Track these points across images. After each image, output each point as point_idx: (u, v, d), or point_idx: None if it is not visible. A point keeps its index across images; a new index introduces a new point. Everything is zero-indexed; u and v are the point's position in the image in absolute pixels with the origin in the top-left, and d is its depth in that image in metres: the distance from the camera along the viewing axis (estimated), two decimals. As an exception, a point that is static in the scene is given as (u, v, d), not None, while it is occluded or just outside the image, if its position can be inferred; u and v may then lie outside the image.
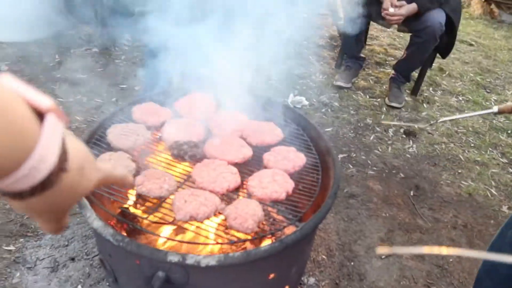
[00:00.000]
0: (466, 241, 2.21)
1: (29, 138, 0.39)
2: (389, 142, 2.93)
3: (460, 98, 3.67)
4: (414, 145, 2.93)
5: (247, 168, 1.42)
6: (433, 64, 3.61)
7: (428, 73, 3.85)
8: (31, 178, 0.40)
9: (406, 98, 3.47)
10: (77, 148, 0.48)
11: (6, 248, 1.84)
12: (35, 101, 0.42)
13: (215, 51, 1.98)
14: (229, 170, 1.33)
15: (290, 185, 1.30)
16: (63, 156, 0.44)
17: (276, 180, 1.29)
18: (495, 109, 1.11)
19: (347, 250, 2.06)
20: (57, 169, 0.43)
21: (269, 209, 1.27)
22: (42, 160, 0.40)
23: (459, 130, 3.19)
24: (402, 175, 2.64)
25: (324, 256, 2.00)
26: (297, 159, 1.41)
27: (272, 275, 1.26)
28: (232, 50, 2.00)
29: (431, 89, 3.76)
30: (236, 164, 1.40)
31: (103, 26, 3.68)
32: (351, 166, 2.64)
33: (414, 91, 3.55)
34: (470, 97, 3.71)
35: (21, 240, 1.89)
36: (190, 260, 1.06)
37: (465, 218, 2.36)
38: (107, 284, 1.71)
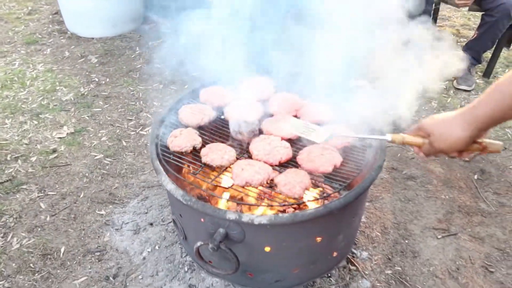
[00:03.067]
0: (533, 226, 2.14)
1: None
2: (455, 125, 2.86)
3: (541, 80, 3.42)
4: (483, 129, 2.83)
5: (299, 143, 1.56)
6: (512, 44, 3.40)
7: (505, 53, 3.63)
8: None
9: (477, 81, 3.33)
10: None
11: (98, 212, 2.19)
12: None
13: (277, 38, 2.12)
14: (282, 145, 1.49)
15: (337, 159, 1.42)
16: None
17: (323, 155, 1.42)
18: (389, 137, 1.13)
19: (402, 228, 2.11)
20: None
21: (317, 179, 1.41)
22: None
23: (536, 114, 3.00)
24: (466, 158, 2.58)
25: (378, 233, 2.07)
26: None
27: (319, 239, 1.40)
28: (294, 36, 2.13)
29: (507, 70, 3.54)
30: (289, 140, 1.55)
31: (178, 20, 4.00)
32: (411, 149, 2.64)
33: (487, 73, 3.38)
34: (553, 78, 3.44)
35: (110, 206, 2.22)
36: (245, 218, 1.24)
37: (534, 204, 2.27)
38: (179, 244, 1.97)
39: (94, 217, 2.16)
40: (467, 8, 3.15)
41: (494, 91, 0.90)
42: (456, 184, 2.39)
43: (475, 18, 4.37)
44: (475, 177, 2.45)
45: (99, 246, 2.00)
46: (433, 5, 3.34)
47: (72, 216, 2.16)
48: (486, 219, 2.18)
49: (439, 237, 2.07)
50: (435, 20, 4.03)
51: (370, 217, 2.16)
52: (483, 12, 3.06)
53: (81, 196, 2.28)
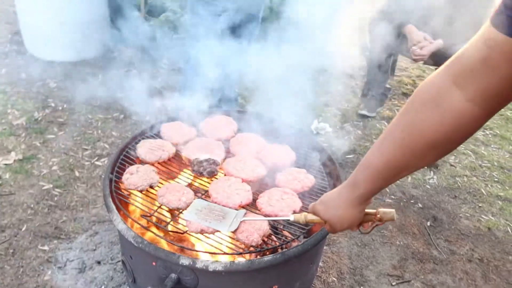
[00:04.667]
0: (481, 274, 2.20)
1: None
2: (410, 172, 2.96)
3: (487, 132, 3.65)
4: (435, 176, 2.95)
5: (260, 186, 1.54)
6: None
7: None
8: None
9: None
10: None
11: (41, 247, 2.03)
12: None
13: (243, 77, 2.14)
14: (243, 187, 1.46)
15: (297, 204, 1.41)
16: None
17: (284, 199, 1.40)
18: (292, 217, 1.17)
19: (358, 274, 2.10)
20: None
21: (277, 224, 1.38)
22: None
23: (483, 164, 3.18)
24: (420, 205, 2.66)
25: (334, 278, 2.05)
26: (306, 180, 1.52)
27: (276, 287, 1.35)
28: (260, 75, 2.15)
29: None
30: (250, 182, 1.52)
31: (143, 50, 3.97)
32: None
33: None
34: (498, 131, 3.68)
35: (55, 241, 2.07)
36: (199, 264, 1.18)
37: (482, 252, 2.35)
38: (127, 286, 1.85)
39: (36, 252, 2.00)
40: (422, 62, 3.35)
41: (365, 169, 0.96)
42: (410, 230, 2.44)
43: (430, 71, 4.66)
44: (428, 223, 2.51)
45: (38, 286, 1.84)
46: (392, 56, 3.53)
47: (11, 251, 1.99)
48: (437, 267, 2.22)
49: (393, 284, 2.07)
50: (393, 70, 4.26)
51: (327, 261, 2.14)
52: (436, 67, 3.27)
53: (23, 229, 2.11)
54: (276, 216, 1.34)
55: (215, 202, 1.39)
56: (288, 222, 1.20)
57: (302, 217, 1.14)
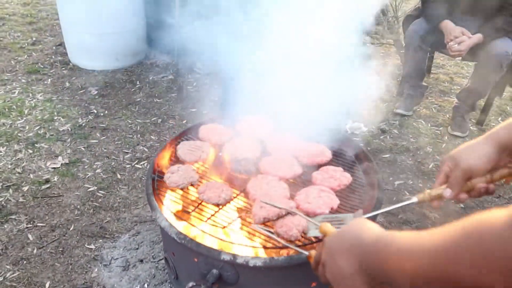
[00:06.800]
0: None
1: None
2: (450, 171, 2.88)
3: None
4: (477, 175, 2.85)
5: (297, 184, 1.56)
6: (504, 93, 3.49)
7: (498, 102, 3.72)
8: None
9: (471, 128, 3.39)
10: None
11: (87, 246, 2.13)
12: None
13: (276, 77, 2.17)
14: (280, 185, 1.48)
15: (334, 201, 1.42)
16: None
17: (321, 197, 1.41)
18: (415, 199, 1.08)
19: (398, 275, 2.07)
20: None
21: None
22: None
23: (529, 162, 3.03)
24: (462, 205, 2.58)
25: (373, 279, 2.03)
26: (343, 178, 1.52)
27: (314, 284, 1.36)
28: (293, 75, 2.17)
29: (500, 119, 3.62)
30: (287, 180, 1.54)
31: (178, 56, 4.09)
32: (407, 193, 2.64)
33: (480, 121, 3.44)
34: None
35: (100, 240, 2.17)
36: (240, 260, 1.21)
37: (530, 254, 2.24)
38: (169, 283, 1.91)
39: (83, 251, 2.10)
40: (460, 58, 3.25)
41: None
42: (452, 231, 2.37)
43: (468, 67, 4.50)
44: (471, 224, 2.43)
45: (86, 282, 1.93)
46: (427, 53, 3.46)
47: (60, 249, 2.10)
48: (482, 268, 2.15)
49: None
50: (429, 67, 4.16)
51: (365, 262, 2.12)
52: (475, 62, 3.17)
53: (71, 228, 2.23)
54: (314, 212, 1.36)
55: (254, 200, 1.42)
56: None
57: (427, 195, 1.06)
